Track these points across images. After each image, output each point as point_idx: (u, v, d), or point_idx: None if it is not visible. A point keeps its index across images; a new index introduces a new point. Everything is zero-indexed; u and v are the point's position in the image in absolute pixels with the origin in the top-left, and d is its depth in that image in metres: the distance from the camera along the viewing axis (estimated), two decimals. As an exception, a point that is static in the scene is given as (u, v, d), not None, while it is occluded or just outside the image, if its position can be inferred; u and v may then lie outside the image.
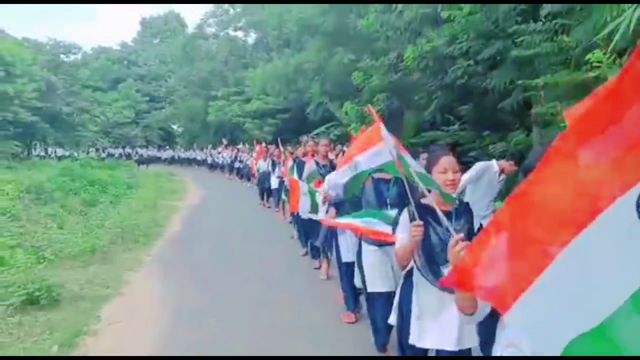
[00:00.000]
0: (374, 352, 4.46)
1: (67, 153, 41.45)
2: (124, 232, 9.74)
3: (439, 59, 11.82)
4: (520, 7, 9.04)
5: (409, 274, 3.09)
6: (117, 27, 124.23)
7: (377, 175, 4.26)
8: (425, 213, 2.92)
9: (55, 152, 42.89)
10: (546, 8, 7.38)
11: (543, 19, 8.07)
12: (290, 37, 23.64)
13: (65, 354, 4.48)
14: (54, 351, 4.51)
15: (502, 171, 5.39)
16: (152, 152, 45.89)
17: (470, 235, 2.87)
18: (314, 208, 6.79)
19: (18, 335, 4.89)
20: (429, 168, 3.02)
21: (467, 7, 9.60)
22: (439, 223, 2.91)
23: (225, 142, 30.23)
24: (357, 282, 4.86)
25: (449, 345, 2.91)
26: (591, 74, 5.50)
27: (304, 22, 20.29)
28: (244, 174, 22.60)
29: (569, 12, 7.62)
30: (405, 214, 3.06)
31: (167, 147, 48.18)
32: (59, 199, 16.82)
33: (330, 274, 7.06)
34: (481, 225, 5.04)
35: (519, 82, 8.45)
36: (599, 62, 5.09)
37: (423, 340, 2.98)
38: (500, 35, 9.56)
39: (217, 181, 25.55)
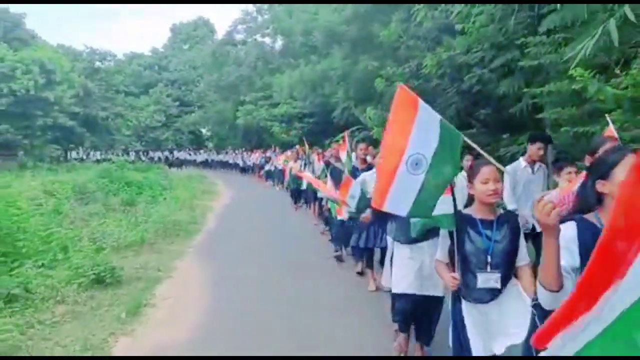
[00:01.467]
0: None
1: (105, 156, 42.86)
2: (165, 228, 10.79)
3: (455, 67, 12.60)
4: (527, 20, 9.79)
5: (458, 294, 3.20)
6: (148, 34, 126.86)
7: None
8: (465, 222, 3.08)
9: (95, 155, 44.34)
10: (544, 25, 8.11)
11: (547, 33, 8.80)
12: (316, 44, 24.47)
13: (131, 320, 5.47)
14: (123, 317, 5.51)
15: (533, 161, 5.58)
16: (188, 155, 46.90)
17: (514, 243, 3.09)
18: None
19: (91, 305, 5.92)
20: (471, 179, 3.11)
21: (479, 21, 10.37)
22: (478, 232, 3.06)
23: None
24: (387, 281, 4.95)
25: (512, 340, 2.99)
26: (575, 87, 6.27)
27: (329, 30, 21.17)
28: (275, 176, 22.88)
29: (570, 27, 8.35)
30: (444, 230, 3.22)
31: (202, 150, 48.92)
32: (100, 199, 18.05)
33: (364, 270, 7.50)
34: (534, 226, 5.25)
35: (525, 89, 9.18)
36: (581, 76, 5.87)
37: (487, 349, 3.06)
38: (510, 46, 10.32)
39: (248, 183, 26.48)
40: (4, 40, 36.67)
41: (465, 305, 3.12)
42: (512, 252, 3.09)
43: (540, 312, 2.32)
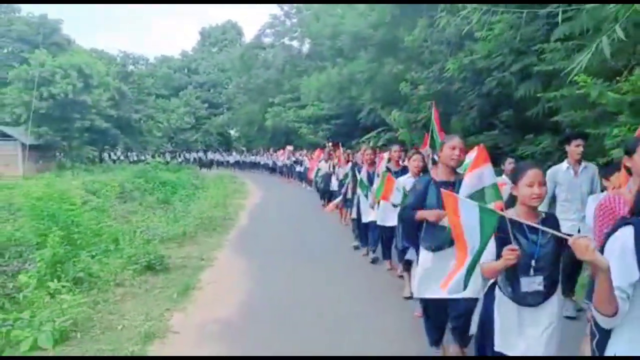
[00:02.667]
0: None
1: (139, 157, 44.00)
2: (203, 223, 11.63)
3: (476, 70, 13.17)
4: (543, 28, 10.34)
5: (493, 286, 3.21)
6: (178, 37, 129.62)
7: (439, 178, 4.32)
8: (512, 226, 2.97)
9: (132, 156, 45.42)
10: (555, 34, 8.66)
11: (561, 40, 9.34)
12: (342, 47, 25.09)
13: (182, 300, 6.25)
14: (175, 297, 6.30)
15: (577, 161, 5.35)
16: (221, 156, 47.32)
17: (560, 246, 3.02)
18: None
19: (146, 288, 6.73)
20: (515, 180, 3.10)
21: (497, 28, 10.94)
22: (524, 235, 3.01)
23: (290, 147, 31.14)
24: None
25: (536, 351, 3.06)
26: (579, 92, 6.87)
27: (355, 34, 21.83)
28: (304, 177, 23.32)
29: (581, 34, 8.88)
30: None
31: (234, 152, 49.19)
32: (137, 198, 19.05)
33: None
34: (579, 230, 5.18)
35: (539, 94, 9.74)
36: (584, 82, 6.48)
37: (509, 349, 3.09)
38: (527, 52, 10.87)
39: (277, 183, 27.22)
40: (43, 46, 38.31)
41: (498, 302, 3.13)
42: (557, 256, 3.10)
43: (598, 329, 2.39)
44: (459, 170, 4.39)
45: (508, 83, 12.07)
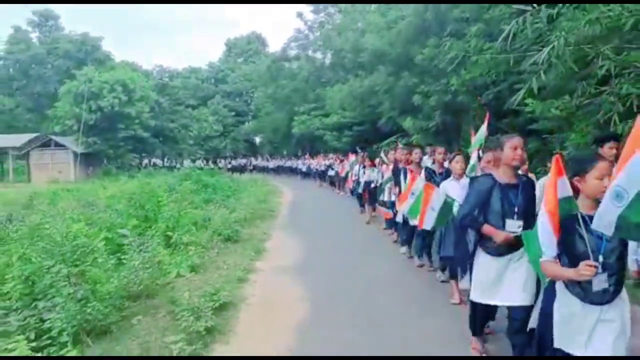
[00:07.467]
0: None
1: (175, 164, 47.15)
2: (255, 213, 14.50)
3: (475, 86, 15.85)
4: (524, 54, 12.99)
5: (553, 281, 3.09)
6: (205, 49, 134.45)
7: (504, 180, 4.07)
8: (572, 221, 2.89)
9: (183, 162, 47.95)
10: (524, 63, 11.30)
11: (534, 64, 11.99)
12: (363, 61, 27.68)
13: (258, 256, 9.12)
14: (252, 254, 9.17)
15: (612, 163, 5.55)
16: (262, 161, 49.04)
17: (624, 240, 2.90)
18: (440, 222, 6.11)
19: (229, 251, 9.59)
20: (579, 173, 2.95)
21: (489, 54, 13.61)
22: (588, 230, 2.85)
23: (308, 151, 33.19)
24: (466, 283, 4.90)
25: (604, 351, 2.91)
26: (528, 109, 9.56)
27: (375, 51, 24.57)
28: (336, 181, 24.87)
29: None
30: None
31: (272, 158, 49.55)
32: (186, 197, 21.92)
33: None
34: None
35: (518, 107, 12.38)
36: (531, 103, 9.20)
37: (574, 349, 2.96)
38: (512, 72, 13.53)
39: (308, 187, 29.62)
40: (85, 63, 42.00)
41: (558, 297, 3.03)
42: (623, 250, 2.97)
43: None
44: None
45: (501, 96, 14.75)
